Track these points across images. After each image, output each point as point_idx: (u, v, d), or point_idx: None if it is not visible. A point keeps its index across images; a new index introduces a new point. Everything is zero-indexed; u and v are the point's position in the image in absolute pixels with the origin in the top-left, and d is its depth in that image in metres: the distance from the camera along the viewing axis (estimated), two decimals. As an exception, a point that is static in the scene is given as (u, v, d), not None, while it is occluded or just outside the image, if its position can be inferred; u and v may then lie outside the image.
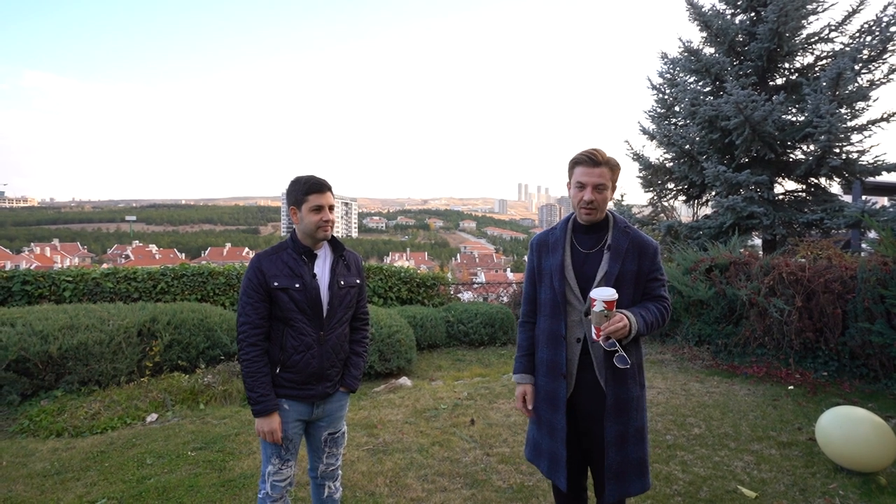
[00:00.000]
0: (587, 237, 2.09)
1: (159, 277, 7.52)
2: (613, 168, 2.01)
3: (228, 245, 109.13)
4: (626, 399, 2.00)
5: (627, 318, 1.89)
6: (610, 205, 2.20)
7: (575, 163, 2.02)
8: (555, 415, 2.07)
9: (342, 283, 2.26)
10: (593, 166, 1.97)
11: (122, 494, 3.18)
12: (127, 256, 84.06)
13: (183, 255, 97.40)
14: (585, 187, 1.98)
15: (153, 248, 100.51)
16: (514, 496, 3.14)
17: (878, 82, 8.78)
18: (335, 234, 2.31)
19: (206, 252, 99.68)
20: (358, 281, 2.35)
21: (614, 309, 1.87)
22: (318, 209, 2.14)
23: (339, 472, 2.42)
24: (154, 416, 4.74)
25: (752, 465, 3.53)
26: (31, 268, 7.61)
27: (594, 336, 1.91)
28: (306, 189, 2.14)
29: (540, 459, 2.17)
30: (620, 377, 1.99)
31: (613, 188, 2.04)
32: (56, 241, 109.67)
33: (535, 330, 2.21)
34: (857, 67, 8.63)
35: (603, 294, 1.86)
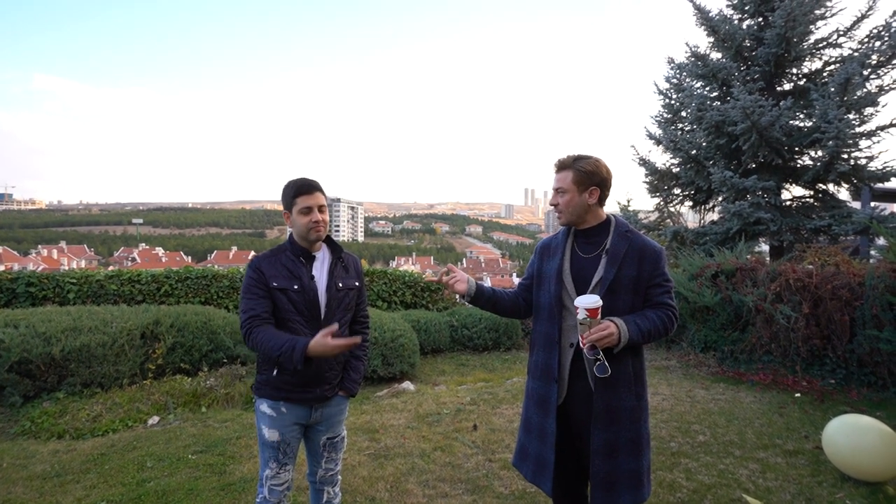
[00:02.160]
0: (587, 242, 2.08)
1: (163, 280, 7.53)
2: (578, 171, 2.00)
3: (234, 248, 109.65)
4: (617, 408, 1.96)
5: (617, 326, 1.86)
6: (616, 209, 2.19)
7: None
8: (545, 419, 2.05)
9: (340, 285, 2.24)
10: (557, 171, 2.07)
11: (122, 497, 3.17)
12: (133, 259, 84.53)
13: (189, 258, 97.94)
14: (554, 192, 2.08)
15: (159, 250, 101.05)
16: (516, 503, 3.11)
17: (887, 88, 8.72)
18: (339, 238, 2.29)
19: (213, 255, 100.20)
20: (357, 283, 2.34)
21: (598, 317, 1.85)
22: (308, 211, 2.13)
23: (339, 477, 2.39)
24: (156, 418, 4.73)
25: (757, 474, 3.48)
26: (38, 270, 7.64)
27: (581, 343, 1.89)
28: (294, 191, 2.14)
29: (524, 464, 2.15)
30: (611, 385, 1.95)
31: (588, 192, 2.01)
32: (63, 244, 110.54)
33: (532, 333, 2.21)
34: (865, 73, 8.58)
35: (585, 302, 1.84)
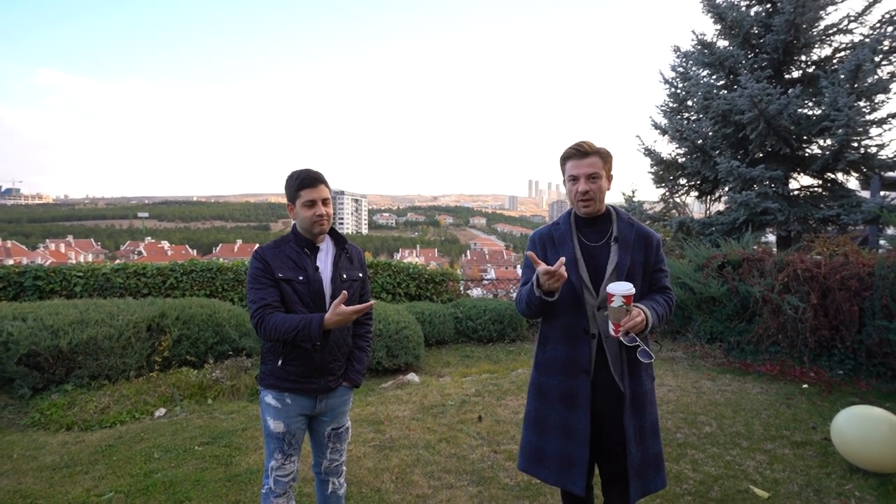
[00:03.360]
0: (592, 231, 2.06)
1: (168, 273, 7.56)
2: (604, 157, 1.98)
3: (239, 241, 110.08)
4: (641, 393, 1.98)
5: (644, 311, 1.87)
6: (620, 199, 2.16)
7: (565, 158, 2.01)
8: (574, 413, 1.98)
9: (345, 276, 2.24)
10: (583, 157, 1.97)
11: (130, 488, 3.19)
12: (139, 253, 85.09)
13: (194, 251, 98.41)
14: (578, 179, 1.97)
15: (165, 244, 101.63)
16: (521, 494, 3.10)
17: (898, 74, 8.57)
18: (343, 231, 2.28)
19: (218, 248, 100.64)
20: (360, 274, 2.33)
21: (632, 303, 1.83)
22: (311, 204, 2.12)
23: (343, 468, 2.39)
24: (162, 410, 4.76)
25: (764, 465, 3.46)
26: (47, 264, 7.68)
27: (612, 332, 1.85)
28: (298, 184, 2.12)
29: (541, 466, 2.06)
30: (635, 372, 1.96)
31: (609, 178, 2.03)
32: (70, 238, 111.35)
33: (543, 327, 2.15)
34: (877, 59, 8.43)
35: (621, 289, 1.81)
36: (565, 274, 1.85)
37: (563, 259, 1.84)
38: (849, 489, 3.12)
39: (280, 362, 2.13)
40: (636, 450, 1.94)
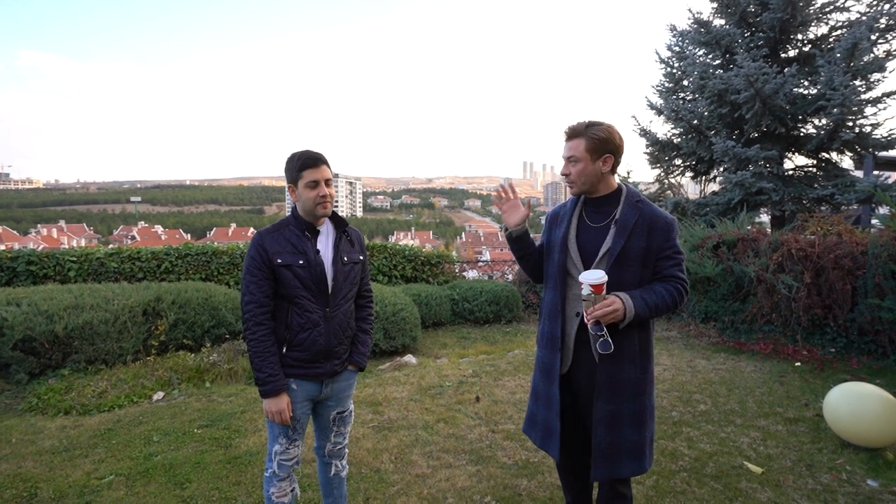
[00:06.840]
0: (597, 211, 2.04)
1: (163, 257, 7.51)
2: (592, 138, 1.93)
3: (234, 225, 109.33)
4: (620, 381, 1.95)
5: (623, 301, 1.84)
6: (618, 179, 2.13)
7: None
8: (550, 387, 2.06)
9: (346, 258, 2.21)
10: (567, 139, 1.99)
11: (130, 471, 3.21)
12: (133, 237, 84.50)
13: (188, 235, 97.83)
14: (565, 162, 2.01)
15: (159, 228, 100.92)
16: (520, 472, 3.15)
17: (894, 52, 8.52)
18: (340, 213, 2.25)
19: (212, 232, 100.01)
20: (361, 257, 2.31)
21: (604, 292, 1.82)
22: (315, 184, 2.08)
23: (346, 450, 2.42)
24: (160, 394, 4.77)
25: (758, 441, 3.52)
26: (39, 249, 7.61)
27: (585, 319, 1.88)
28: (300, 165, 2.08)
29: (533, 431, 2.18)
30: (615, 358, 1.93)
31: (600, 159, 1.96)
32: (62, 223, 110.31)
33: (541, 302, 2.21)
34: (873, 37, 8.38)
35: (590, 277, 1.81)
36: (502, 206, 2.12)
37: (507, 186, 2.14)
38: (840, 463, 3.18)
39: (284, 349, 2.12)
40: (605, 433, 1.94)
